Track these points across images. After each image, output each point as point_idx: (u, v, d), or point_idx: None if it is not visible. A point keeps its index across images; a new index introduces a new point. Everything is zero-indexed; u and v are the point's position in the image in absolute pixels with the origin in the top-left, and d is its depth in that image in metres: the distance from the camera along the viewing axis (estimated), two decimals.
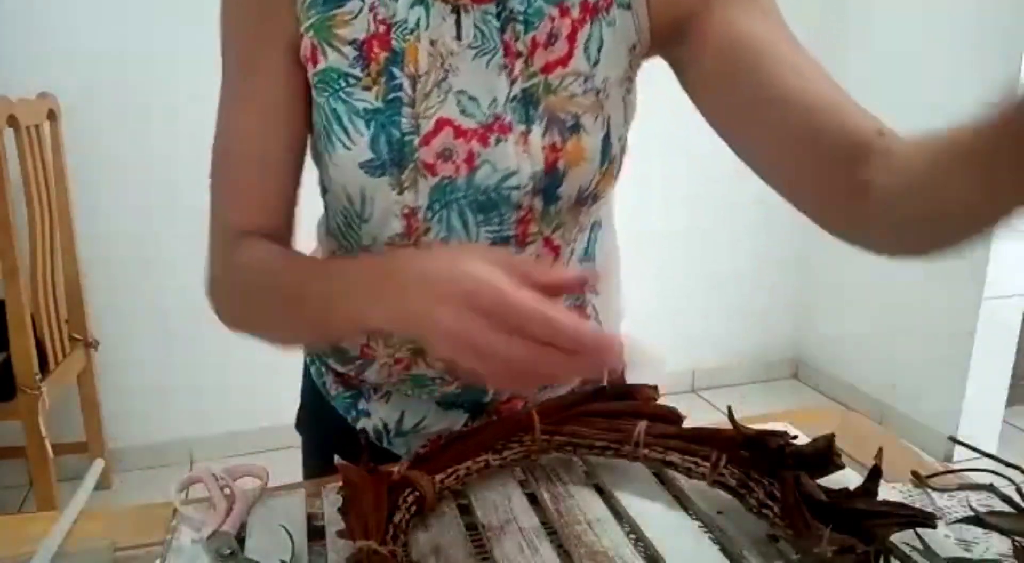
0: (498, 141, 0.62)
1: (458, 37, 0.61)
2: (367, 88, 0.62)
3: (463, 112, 0.62)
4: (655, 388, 0.69)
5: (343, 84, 0.62)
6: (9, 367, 1.87)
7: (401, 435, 0.79)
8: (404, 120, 0.61)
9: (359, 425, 0.80)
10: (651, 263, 2.75)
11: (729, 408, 0.63)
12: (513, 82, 0.62)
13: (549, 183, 0.63)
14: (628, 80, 0.67)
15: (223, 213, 0.67)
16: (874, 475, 0.55)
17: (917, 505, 0.63)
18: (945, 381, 2.42)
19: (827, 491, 0.55)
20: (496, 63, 0.62)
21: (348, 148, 0.62)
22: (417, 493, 0.60)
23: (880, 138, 0.59)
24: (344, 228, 0.69)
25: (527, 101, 0.62)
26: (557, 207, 0.65)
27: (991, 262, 2.26)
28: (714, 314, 2.90)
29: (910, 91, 2.47)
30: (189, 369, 2.44)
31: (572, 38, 0.62)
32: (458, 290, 0.45)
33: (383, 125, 0.61)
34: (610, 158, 0.65)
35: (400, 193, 0.63)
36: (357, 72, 0.62)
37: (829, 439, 0.58)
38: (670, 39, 0.64)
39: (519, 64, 0.62)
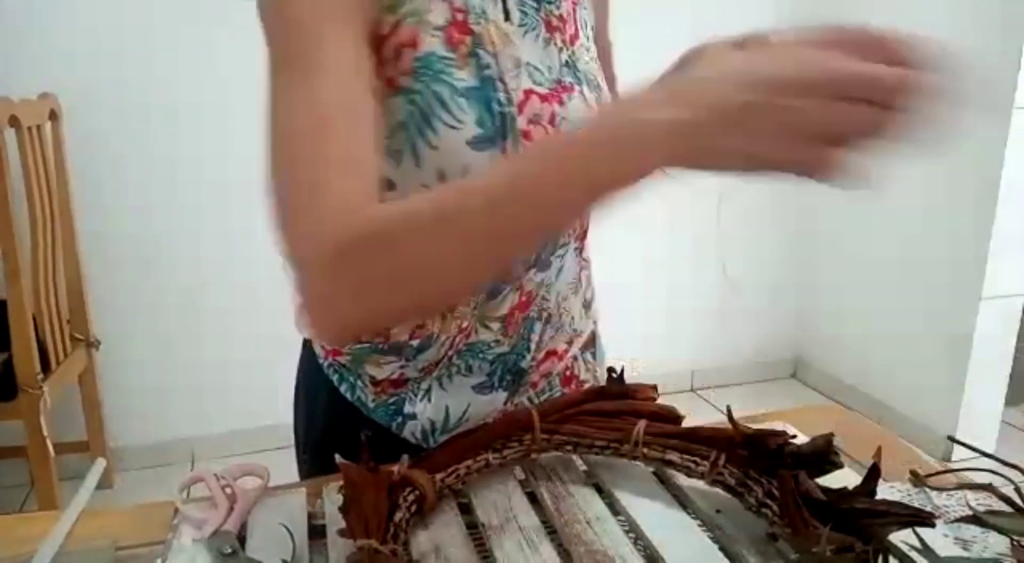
0: (570, 99, 0.70)
1: (507, 18, 0.68)
2: (460, 68, 0.64)
3: (535, 81, 0.68)
4: (655, 388, 0.69)
5: (442, 67, 0.64)
6: (11, 367, 1.87)
7: (447, 432, 0.79)
8: (500, 94, 0.66)
9: (405, 431, 0.79)
10: (651, 263, 2.76)
11: (728, 408, 0.63)
12: (560, 51, 0.71)
13: None
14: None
15: (324, 200, 0.54)
16: (872, 474, 0.55)
17: (916, 504, 0.63)
18: (944, 381, 2.42)
19: (826, 490, 0.55)
20: (542, 38, 0.70)
21: (455, 127, 0.63)
22: (417, 492, 0.60)
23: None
24: None
25: (573, 66, 0.71)
26: None
27: (991, 262, 2.26)
28: (714, 314, 2.91)
29: None
30: (189, 369, 2.44)
31: (575, 17, 0.73)
32: (758, 79, 0.45)
33: (485, 101, 0.65)
34: None
35: None
36: (451, 55, 0.64)
37: (828, 438, 0.58)
38: None
39: (558, 35, 0.71)
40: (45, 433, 1.91)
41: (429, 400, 0.79)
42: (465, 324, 0.75)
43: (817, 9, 2.73)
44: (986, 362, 2.36)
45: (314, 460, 0.87)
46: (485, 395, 0.78)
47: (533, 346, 0.78)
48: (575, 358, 0.86)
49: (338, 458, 0.61)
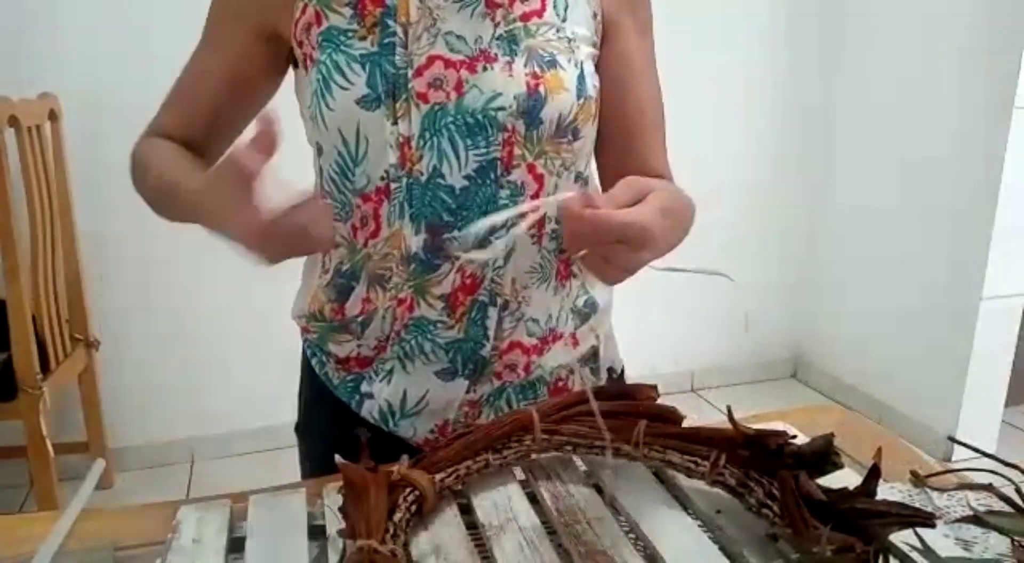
0: (485, 69, 0.71)
1: None
2: (363, 38, 0.71)
3: (451, 49, 0.71)
4: (655, 388, 0.69)
5: (343, 39, 0.71)
6: (10, 367, 1.87)
7: (406, 416, 0.81)
8: (398, 58, 0.70)
9: (363, 410, 0.82)
10: (651, 263, 2.75)
11: (729, 408, 0.63)
12: (496, 26, 0.72)
13: (532, 106, 0.71)
14: (595, 47, 0.77)
15: (158, 115, 0.82)
16: (873, 474, 0.55)
17: (916, 505, 0.63)
18: (945, 381, 2.42)
19: (826, 491, 0.55)
20: (479, 12, 0.72)
21: (345, 89, 0.70)
22: (417, 492, 0.60)
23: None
24: (339, 178, 0.75)
25: (510, 40, 0.72)
26: (539, 132, 0.72)
27: (991, 262, 2.26)
28: (714, 314, 2.90)
29: (910, 91, 2.47)
30: (189, 369, 2.44)
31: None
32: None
33: (378, 64, 0.70)
34: (586, 95, 0.74)
35: (395, 123, 0.71)
36: (354, 26, 0.71)
37: (828, 439, 0.58)
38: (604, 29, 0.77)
39: (500, 12, 0.72)
40: (45, 433, 1.91)
41: (388, 382, 0.81)
42: (403, 295, 0.76)
43: (819, 9, 2.73)
44: (986, 362, 2.36)
45: (300, 438, 0.92)
46: (446, 381, 0.79)
47: (491, 334, 0.78)
48: (571, 370, 0.85)
49: (338, 458, 0.61)
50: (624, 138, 0.79)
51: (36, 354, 1.89)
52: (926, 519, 0.53)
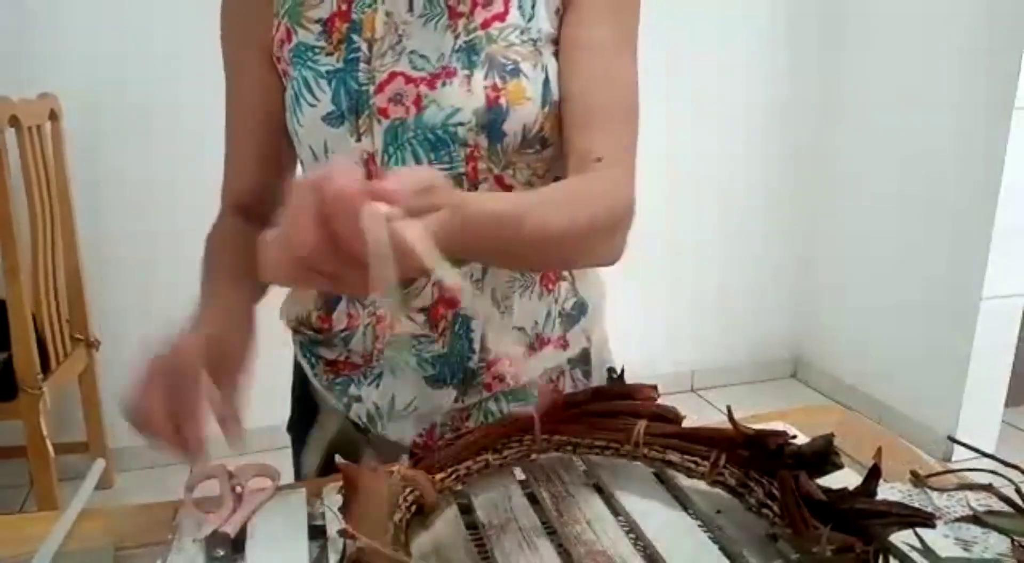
0: (444, 85, 0.70)
1: (410, 9, 0.71)
2: (330, 54, 0.72)
3: (414, 67, 0.71)
4: (655, 388, 0.69)
5: (310, 55, 0.72)
6: (10, 367, 1.87)
7: (394, 419, 0.80)
8: (361, 74, 0.70)
9: (351, 412, 0.82)
10: (651, 263, 2.75)
11: (729, 408, 0.63)
12: (457, 37, 0.71)
13: (492, 119, 0.69)
14: (555, 43, 0.73)
15: (224, 191, 0.80)
16: (873, 474, 0.55)
17: (916, 505, 0.63)
18: (945, 381, 2.42)
19: (826, 491, 0.55)
20: (442, 24, 0.71)
21: (313, 105, 0.71)
22: (417, 493, 0.60)
23: (590, 164, 0.68)
24: None
25: (470, 50, 0.70)
26: (503, 145, 0.71)
27: (991, 262, 2.26)
28: (714, 314, 2.90)
29: (910, 91, 2.47)
30: None
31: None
32: None
33: (343, 80, 0.71)
34: (551, 102, 0.71)
35: (358, 140, 0.71)
36: (322, 43, 0.72)
37: (828, 439, 0.58)
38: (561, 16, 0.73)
39: (462, 22, 0.71)
40: (45, 433, 1.91)
41: (377, 386, 0.80)
42: (381, 311, 0.77)
43: (819, 8, 2.73)
44: (986, 362, 2.36)
45: (293, 437, 0.93)
46: (436, 389, 0.79)
47: (476, 347, 0.77)
48: (562, 372, 0.84)
49: (338, 459, 0.61)
50: (568, 120, 0.71)
51: (36, 354, 1.89)
52: (926, 519, 0.53)
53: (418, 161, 0.70)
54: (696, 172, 2.73)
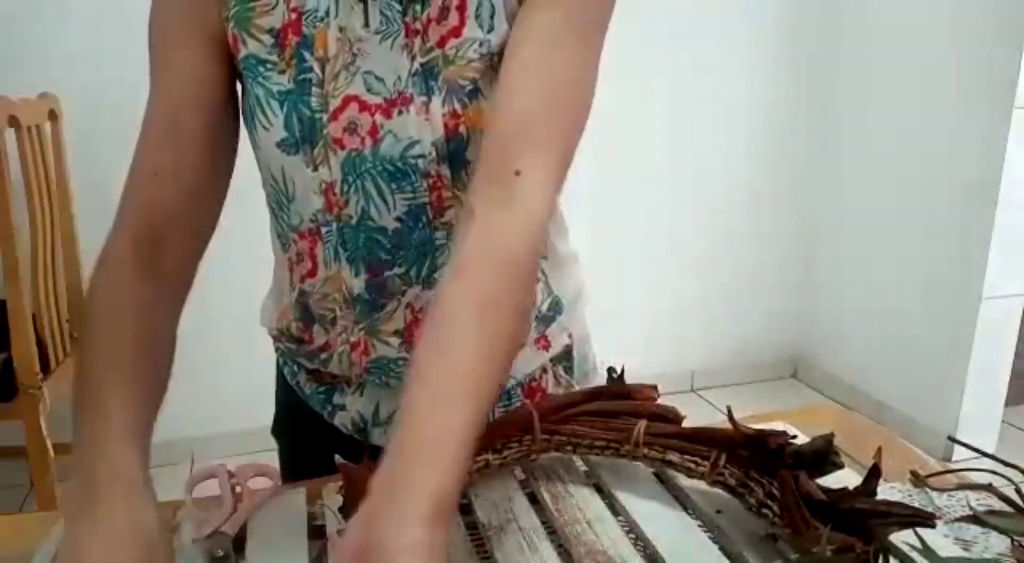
0: (400, 113, 0.65)
1: (366, 24, 0.65)
2: (282, 71, 0.66)
3: (369, 90, 0.65)
4: (655, 388, 0.69)
5: (261, 70, 0.66)
6: (10, 367, 1.87)
7: (379, 425, 0.79)
8: (313, 99, 0.65)
9: (335, 420, 0.80)
10: (651, 263, 2.76)
11: (728, 408, 0.63)
12: (413, 59, 0.65)
13: (454, 149, 0.66)
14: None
15: (132, 191, 0.68)
16: (873, 474, 0.55)
17: (916, 504, 0.63)
18: (945, 381, 2.42)
19: (826, 491, 0.55)
20: (399, 43, 0.65)
21: (266, 129, 0.66)
22: None
23: (507, 177, 0.58)
24: (277, 209, 0.73)
25: (427, 74, 0.65)
26: (468, 172, 0.66)
27: (991, 262, 2.26)
28: (714, 314, 2.90)
29: (910, 91, 2.47)
30: (189, 369, 2.42)
31: (462, 8, 0.64)
32: None
33: (295, 104, 0.65)
34: None
35: (315, 169, 0.67)
36: (274, 58, 0.66)
37: (828, 439, 0.58)
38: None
39: (417, 41, 0.65)
40: (45, 433, 1.91)
41: (361, 394, 0.79)
42: (355, 339, 0.74)
43: (818, 9, 2.73)
44: (986, 362, 2.36)
45: (277, 441, 0.90)
46: None
47: None
48: (544, 369, 0.82)
49: (338, 459, 0.61)
50: (490, 121, 0.62)
51: (36, 354, 1.89)
52: (926, 519, 0.53)
53: (379, 191, 0.67)
54: (697, 173, 2.72)
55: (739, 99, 2.75)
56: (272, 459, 0.73)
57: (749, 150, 2.79)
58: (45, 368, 1.94)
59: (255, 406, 2.42)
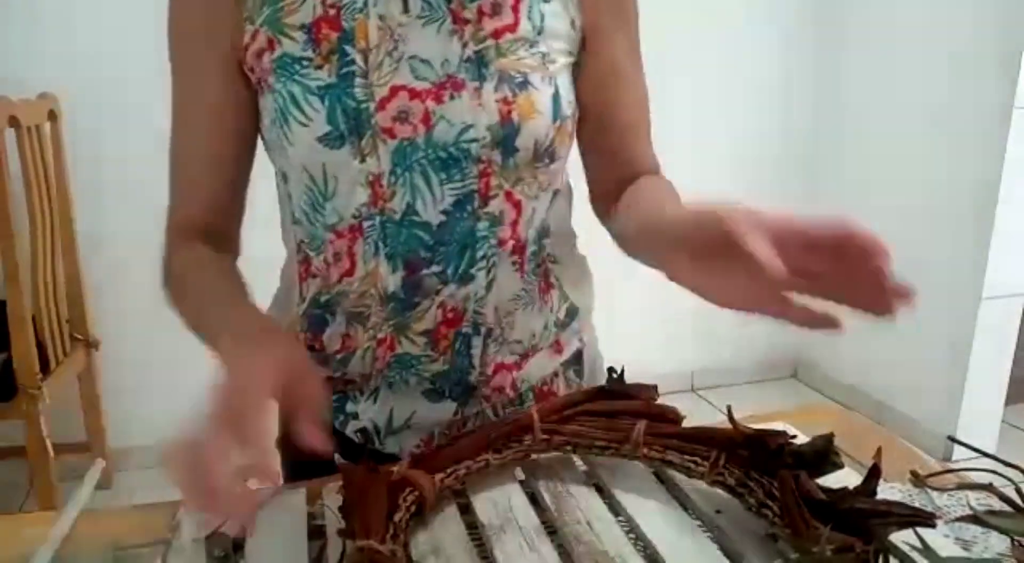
0: (452, 97, 0.66)
1: (405, 10, 0.66)
2: (319, 67, 0.66)
3: (416, 76, 0.66)
4: (655, 388, 0.69)
5: (297, 68, 0.66)
6: (10, 367, 1.87)
7: (392, 433, 0.79)
8: (358, 90, 0.65)
9: (348, 429, 0.80)
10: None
11: (729, 408, 0.63)
12: (465, 45, 0.67)
13: (506, 135, 0.67)
14: (570, 54, 0.72)
15: (175, 209, 0.74)
16: (873, 474, 0.55)
17: (917, 505, 0.63)
18: (945, 381, 2.42)
19: (826, 490, 0.55)
20: (446, 29, 0.66)
21: (305, 125, 0.66)
22: (417, 493, 0.60)
23: (655, 171, 0.78)
24: (310, 212, 0.72)
25: (479, 62, 0.67)
26: (516, 160, 0.69)
27: (991, 262, 2.26)
28: (714, 314, 2.90)
29: (910, 91, 2.47)
30: (189, 369, 2.43)
31: (516, 8, 0.68)
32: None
33: (338, 97, 0.65)
34: (561, 116, 0.70)
35: (362, 161, 0.66)
36: (309, 54, 0.66)
37: (828, 439, 0.58)
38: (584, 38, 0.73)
39: (469, 29, 0.67)
40: (44, 433, 1.91)
41: (374, 401, 0.79)
42: (383, 335, 0.74)
43: (818, 9, 2.73)
44: (986, 362, 2.36)
45: (282, 452, 0.88)
46: (434, 402, 0.78)
47: (476, 363, 0.76)
48: (555, 374, 0.83)
49: (338, 458, 0.61)
50: (612, 141, 0.76)
51: (36, 354, 1.89)
52: (927, 519, 0.53)
53: (427, 182, 0.67)
54: (697, 174, 2.71)
55: (738, 99, 2.75)
56: (274, 458, 0.73)
57: (749, 150, 2.80)
58: (45, 368, 1.95)
59: None
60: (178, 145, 0.74)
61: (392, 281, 0.71)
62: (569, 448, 0.67)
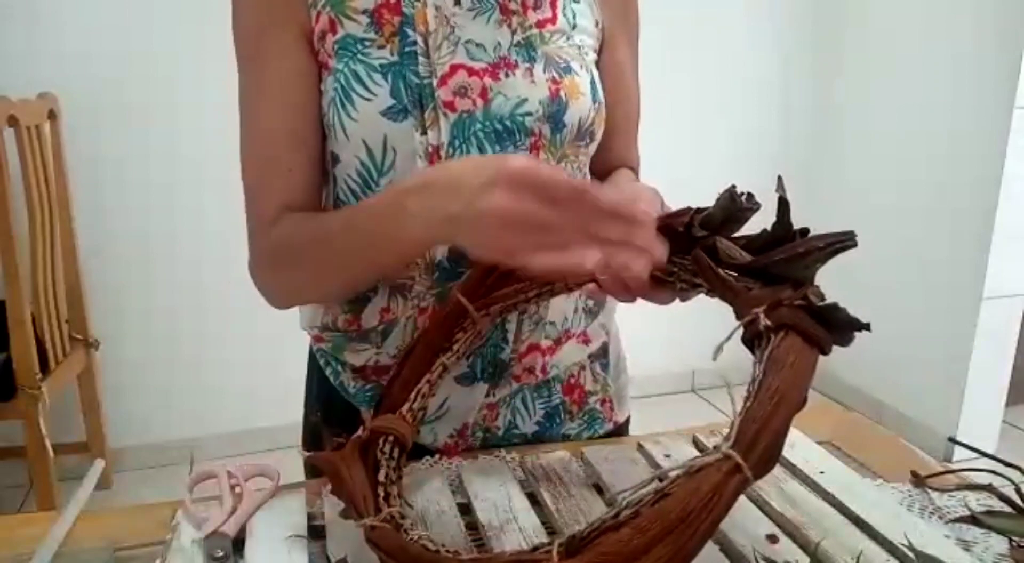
0: (507, 76, 0.72)
1: (457, 2, 0.71)
2: (381, 47, 0.71)
3: (472, 57, 0.71)
4: None
5: (360, 47, 0.71)
6: (9, 367, 1.87)
7: (426, 422, 0.79)
8: (420, 67, 0.70)
9: None
10: None
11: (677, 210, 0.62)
12: (514, 32, 0.73)
13: (555, 110, 0.73)
14: (595, 51, 0.79)
15: (262, 196, 0.74)
16: (782, 209, 0.54)
17: (916, 505, 0.63)
18: (945, 381, 2.42)
19: (749, 243, 0.55)
20: (495, 19, 0.72)
21: (369, 99, 0.70)
22: (393, 437, 0.60)
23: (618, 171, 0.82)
24: (360, 188, 0.74)
25: (528, 47, 0.73)
26: (562, 136, 0.74)
27: (991, 262, 2.26)
28: (714, 314, 2.90)
29: (910, 91, 2.47)
30: (190, 369, 2.44)
31: (554, 4, 0.76)
32: (506, 172, 0.51)
33: (402, 74, 0.70)
34: (599, 99, 0.77)
35: (423, 133, 0.70)
36: (371, 35, 0.71)
37: (730, 191, 0.56)
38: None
39: (515, 19, 0.73)
40: (44, 433, 1.91)
41: None
42: (424, 304, 0.76)
43: (818, 9, 2.73)
44: (986, 362, 2.36)
45: (312, 444, 0.89)
46: (466, 386, 0.79)
47: (511, 337, 0.78)
48: (583, 367, 0.85)
49: (301, 451, 0.61)
50: (608, 137, 0.81)
51: (35, 354, 1.89)
52: (845, 240, 0.53)
53: (483, 152, 0.71)
54: (696, 174, 2.72)
55: (738, 100, 2.75)
56: (275, 458, 0.73)
57: (748, 149, 2.80)
58: (44, 368, 1.95)
59: (255, 406, 2.43)
60: (255, 133, 0.74)
61: (440, 250, 0.73)
62: (511, 309, 0.68)
